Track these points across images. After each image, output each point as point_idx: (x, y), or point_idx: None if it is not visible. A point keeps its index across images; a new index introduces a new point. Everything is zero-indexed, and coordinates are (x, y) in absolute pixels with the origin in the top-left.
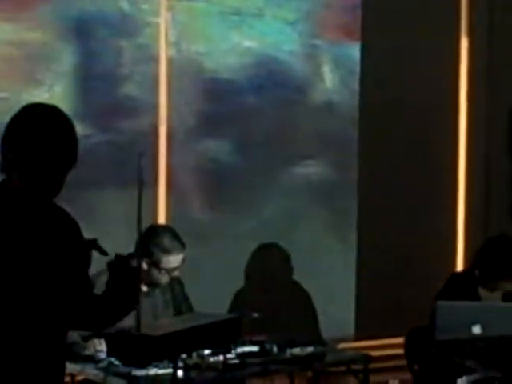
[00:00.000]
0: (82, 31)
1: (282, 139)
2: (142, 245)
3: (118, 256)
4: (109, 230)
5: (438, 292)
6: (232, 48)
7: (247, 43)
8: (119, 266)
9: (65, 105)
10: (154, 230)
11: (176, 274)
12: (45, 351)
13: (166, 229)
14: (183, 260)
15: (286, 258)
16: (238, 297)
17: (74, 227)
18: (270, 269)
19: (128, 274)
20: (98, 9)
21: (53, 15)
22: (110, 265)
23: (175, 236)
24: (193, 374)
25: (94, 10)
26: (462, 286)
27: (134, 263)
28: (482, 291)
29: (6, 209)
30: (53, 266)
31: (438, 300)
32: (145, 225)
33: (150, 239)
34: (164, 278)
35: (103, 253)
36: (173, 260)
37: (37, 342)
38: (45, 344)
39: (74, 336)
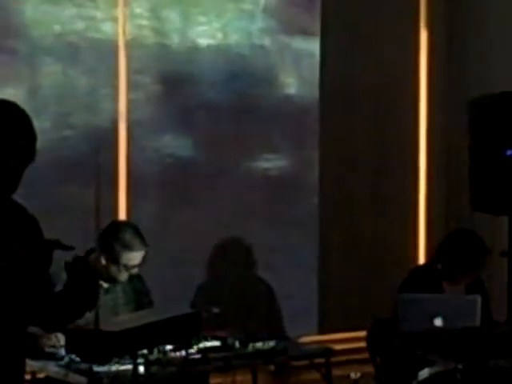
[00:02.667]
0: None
1: (242, 134)
2: (103, 240)
3: (75, 257)
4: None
5: (401, 285)
6: (192, 42)
7: (207, 37)
8: (77, 266)
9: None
10: (116, 226)
11: (135, 271)
12: (4, 350)
13: (127, 225)
14: (143, 258)
15: (247, 252)
16: (200, 292)
17: (34, 224)
18: (231, 263)
19: (85, 275)
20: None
21: None
22: (67, 265)
23: (137, 233)
24: (154, 369)
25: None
26: (425, 279)
27: (93, 257)
28: (445, 284)
29: None
30: (13, 264)
31: (401, 293)
32: (106, 221)
33: (111, 235)
34: (123, 275)
35: (68, 249)
36: (133, 257)
37: None
38: (3, 343)
39: (34, 329)
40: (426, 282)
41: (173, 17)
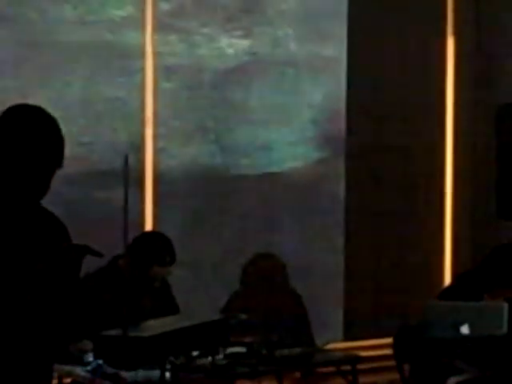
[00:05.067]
0: None
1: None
2: (132, 250)
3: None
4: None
5: (443, 291)
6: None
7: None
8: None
9: None
10: (147, 238)
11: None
12: (32, 355)
13: (158, 237)
14: (171, 271)
15: (275, 260)
16: (231, 299)
17: (62, 230)
18: (259, 271)
19: (117, 280)
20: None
21: None
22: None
23: (167, 246)
24: (181, 375)
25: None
26: (467, 289)
27: (121, 263)
28: (486, 298)
29: None
30: (41, 271)
31: (441, 299)
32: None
33: (142, 246)
34: (150, 284)
35: (97, 255)
36: (161, 270)
37: (24, 345)
38: (32, 348)
39: None
40: (467, 293)
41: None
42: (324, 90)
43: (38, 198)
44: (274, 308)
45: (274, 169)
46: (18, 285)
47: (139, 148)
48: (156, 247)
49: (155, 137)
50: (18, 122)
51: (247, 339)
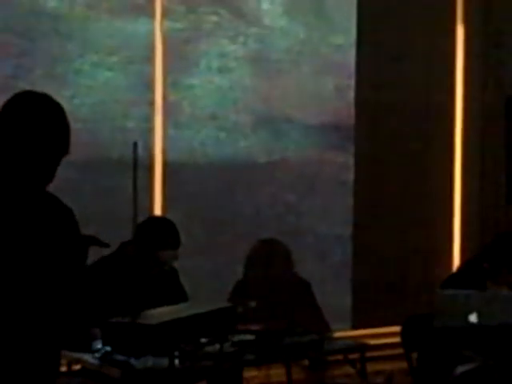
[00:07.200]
0: None
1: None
2: (138, 235)
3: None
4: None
5: (446, 280)
6: None
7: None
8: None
9: None
10: (152, 222)
11: (169, 266)
12: (39, 342)
13: (164, 221)
14: (178, 255)
15: (285, 249)
16: (237, 286)
17: (69, 216)
18: (268, 259)
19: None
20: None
21: None
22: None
23: (173, 230)
24: (189, 362)
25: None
26: (470, 276)
27: (129, 250)
28: (489, 284)
29: None
30: (48, 256)
31: (445, 287)
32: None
33: (147, 230)
34: (157, 270)
35: (104, 245)
36: (167, 254)
37: (31, 333)
38: (40, 336)
39: None
40: (471, 279)
41: None
42: (334, 78)
43: (43, 184)
44: (282, 295)
45: (285, 156)
46: (24, 273)
47: (148, 135)
48: (161, 231)
49: (165, 123)
50: (24, 109)
51: (255, 327)
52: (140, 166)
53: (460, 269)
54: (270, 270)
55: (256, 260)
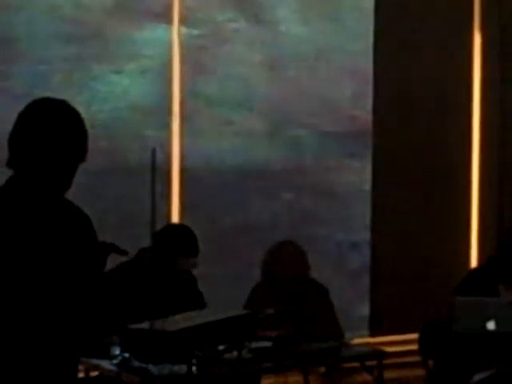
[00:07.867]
0: None
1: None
2: (157, 242)
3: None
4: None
5: (457, 286)
6: None
7: None
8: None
9: None
10: (171, 230)
11: (188, 273)
12: (57, 349)
13: (183, 229)
14: (196, 263)
15: (301, 254)
16: (254, 293)
17: (87, 223)
18: (285, 265)
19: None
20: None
21: None
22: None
23: (191, 238)
24: (207, 369)
25: None
26: (481, 282)
27: (147, 257)
28: (501, 288)
29: (15, 205)
30: (65, 263)
31: (456, 294)
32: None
33: (166, 238)
34: (175, 277)
35: (123, 253)
36: (186, 262)
37: (49, 339)
38: (58, 342)
39: None
40: (482, 285)
41: None
42: (352, 84)
43: (61, 191)
44: (300, 302)
45: (302, 163)
46: (41, 280)
47: (166, 141)
48: (180, 239)
49: (182, 130)
50: (42, 116)
51: (273, 334)
52: (158, 173)
53: (469, 275)
54: (287, 272)
55: (272, 262)
